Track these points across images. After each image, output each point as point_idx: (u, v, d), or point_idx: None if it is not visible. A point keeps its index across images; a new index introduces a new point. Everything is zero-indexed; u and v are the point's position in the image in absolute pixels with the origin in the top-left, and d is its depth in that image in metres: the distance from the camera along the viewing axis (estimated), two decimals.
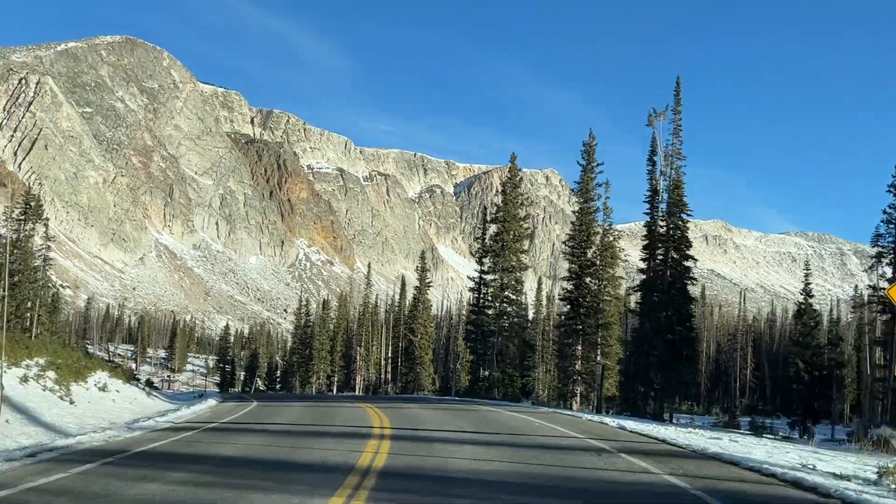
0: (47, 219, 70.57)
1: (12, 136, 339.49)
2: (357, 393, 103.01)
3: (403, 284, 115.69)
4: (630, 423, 23.81)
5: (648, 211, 42.66)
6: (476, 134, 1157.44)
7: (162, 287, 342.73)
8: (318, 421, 21.64)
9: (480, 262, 58.77)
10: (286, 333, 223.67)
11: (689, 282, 41.45)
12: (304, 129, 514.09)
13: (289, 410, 26.75)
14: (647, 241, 42.62)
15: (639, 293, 43.14)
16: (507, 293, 55.38)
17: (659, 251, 41.81)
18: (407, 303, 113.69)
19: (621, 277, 55.44)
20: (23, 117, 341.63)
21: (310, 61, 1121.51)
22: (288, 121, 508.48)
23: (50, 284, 72.59)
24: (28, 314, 68.82)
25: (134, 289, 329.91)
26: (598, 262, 54.75)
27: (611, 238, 54.42)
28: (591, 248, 55.34)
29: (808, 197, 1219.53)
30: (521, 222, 56.37)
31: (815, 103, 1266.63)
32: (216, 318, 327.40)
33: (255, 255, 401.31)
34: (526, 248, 57.32)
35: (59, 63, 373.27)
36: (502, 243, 55.73)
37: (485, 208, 58.02)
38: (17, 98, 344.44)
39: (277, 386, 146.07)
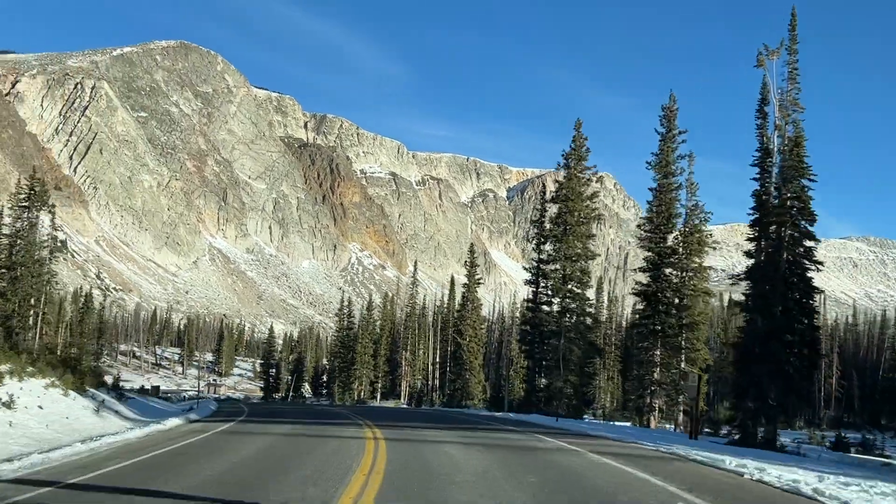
0: (53, 205, 62.56)
1: (68, 140, 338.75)
2: (401, 401, 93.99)
3: (453, 284, 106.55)
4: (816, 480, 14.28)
5: (758, 176, 32.75)
6: (529, 138, 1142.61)
7: (215, 291, 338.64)
8: (265, 471, 12.42)
9: (538, 250, 49.29)
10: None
11: (811, 266, 31.44)
12: (358, 134, 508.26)
13: (252, 443, 17.47)
14: (756, 216, 32.68)
15: (745, 282, 33.22)
16: (570, 286, 45.84)
17: (772, 228, 31.85)
18: (456, 303, 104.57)
19: (709, 268, 45.48)
20: (78, 122, 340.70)
21: (363, 67, 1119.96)
22: (341, 125, 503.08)
23: (55, 281, 63.93)
24: (31, 311, 61.02)
25: (187, 292, 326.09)
26: (680, 250, 45.07)
27: (696, 221, 44.64)
28: (671, 232, 45.66)
29: (869, 201, 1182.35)
30: (588, 201, 46.67)
31: (872, 101, 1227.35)
32: (268, 321, 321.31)
33: (307, 258, 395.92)
34: (593, 232, 47.47)
35: (114, 68, 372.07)
36: (565, 226, 46.21)
37: (543, 186, 48.23)
38: (73, 103, 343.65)
39: (323, 391, 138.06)
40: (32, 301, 60.82)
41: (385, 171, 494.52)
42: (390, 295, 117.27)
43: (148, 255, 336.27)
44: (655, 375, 45.19)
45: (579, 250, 46.11)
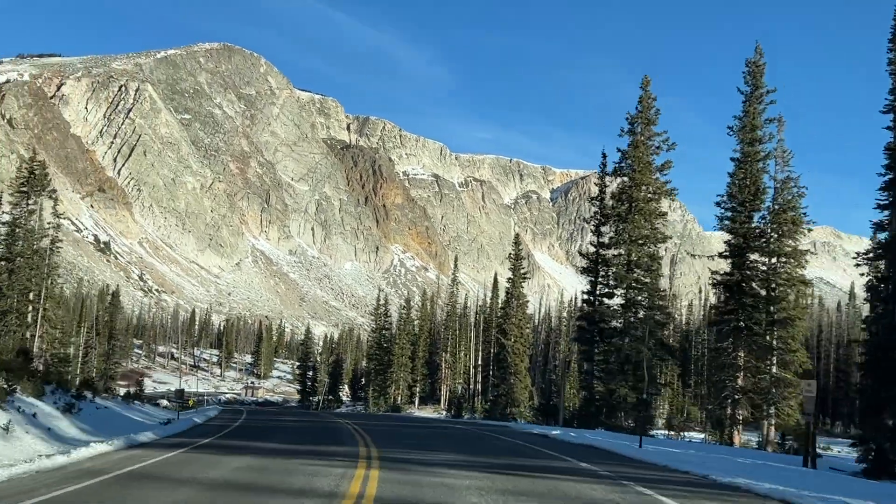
0: (54, 190, 56.14)
1: (112, 142, 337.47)
2: (441, 407, 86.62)
3: (496, 282, 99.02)
4: None
5: (893, 125, 24.83)
6: (573, 140, 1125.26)
7: (257, 292, 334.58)
8: None
9: (597, 232, 41.56)
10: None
11: None
12: (400, 136, 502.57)
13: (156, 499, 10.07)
14: (890, 176, 24.78)
15: (874, 264, 25.41)
16: (636, 274, 38.19)
17: None
18: (499, 302, 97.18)
19: (807, 252, 37.42)
20: (122, 124, 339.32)
21: (406, 70, 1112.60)
22: (384, 127, 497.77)
23: (57, 274, 57.38)
24: (30, 307, 54.61)
25: (229, 294, 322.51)
26: (769, 231, 37.24)
27: (789, 196, 36.74)
28: (758, 210, 37.86)
29: None
30: (659, 173, 38.89)
31: None
32: (310, 323, 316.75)
33: (349, 260, 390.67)
34: (665, 210, 39.45)
35: (158, 70, 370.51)
36: (630, 203, 38.56)
37: (603, 157, 40.47)
38: (117, 105, 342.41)
39: (361, 395, 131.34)
40: (31, 296, 54.44)
41: (428, 172, 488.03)
42: (430, 294, 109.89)
43: (191, 256, 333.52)
44: (739, 381, 37.41)
45: (647, 231, 38.44)
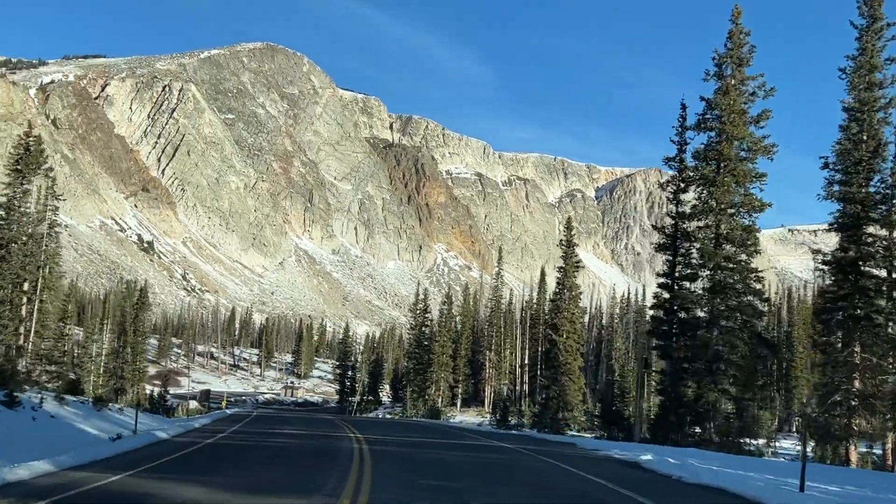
0: (51, 168, 49.67)
1: (156, 142, 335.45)
2: (485, 410, 79.24)
3: (543, 276, 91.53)
4: None
5: None
6: (618, 139, 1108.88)
7: (301, 292, 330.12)
8: None
9: (675, 200, 33.86)
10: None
11: None
12: (443, 135, 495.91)
13: None
14: None
15: None
16: (727, 250, 30.48)
17: None
18: (548, 296, 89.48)
19: None
20: (166, 124, 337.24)
21: (449, 71, 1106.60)
22: (426, 126, 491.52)
23: (56, 263, 51.01)
24: (25, 300, 48.29)
25: (272, 293, 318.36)
26: (893, 198, 29.51)
27: None
28: (877, 171, 30.03)
29: None
30: (755, 125, 31.09)
31: None
32: (354, 323, 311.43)
33: (392, 259, 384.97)
34: (762, 172, 31.50)
35: (201, 70, 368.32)
36: (718, 162, 30.84)
37: (682, 108, 32.64)
38: (161, 105, 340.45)
39: (402, 394, 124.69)
40: (26, 287, 48.13)
41: (471, 171, 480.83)
42: (472, 290, 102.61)
43: (235, 256, 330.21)
44: (856, 384, 29.62)
45: (740, 198, 30.72)
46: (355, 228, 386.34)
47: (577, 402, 54.91)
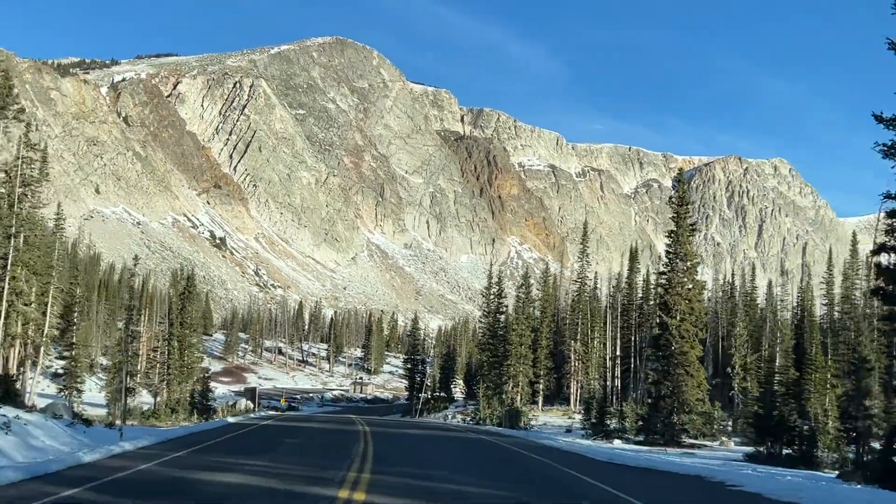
0: (22, 110, 39.21)
1: (228, 138, 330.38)
2: (572, 410, 66.74)
3: (633, 254, 78.95)
4: None
5: None
6: (694, 129, 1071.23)
7: (373, 286, 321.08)
8: None
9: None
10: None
11: None
12: (515, 127, 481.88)
13: None
14: None
15: None
16: None
17: None
18: (640, 280, 76.73)
19: None
20: (237, 120, 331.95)
21: (520, 66, 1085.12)
22: (498, 118, 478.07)
23: (32, 230, 40.22)
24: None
25: (345, 288, 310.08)
26: None
27: None
28: None
29: None
30: None
31: None
32: (427, 317, 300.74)
33: (465, 253, 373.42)
34: None
35: (272, 66, 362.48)
36: None
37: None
38: (232, 101, 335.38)
39: (476, 390, 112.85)
40: None
41: (544, 163, 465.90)
42: (553, 273, 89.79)
43: (307, 251, 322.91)
44: None
45: None
46: (427, 222, 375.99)
47: (693, 401, 42.15)
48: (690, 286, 43.11)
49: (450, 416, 68.26)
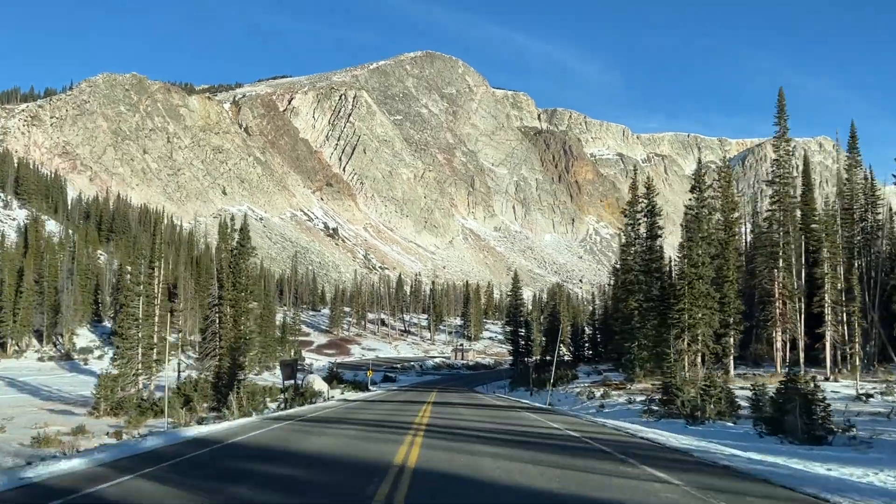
0: None
1: (336, 143, 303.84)
2: (778, 373, 32.57)
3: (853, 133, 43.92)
4: None
5: None
6: (745, 114, 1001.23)
7: (469, 265, 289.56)
8: None
9: None
10: (584, 303, 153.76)
11: None
12: (585, 122, 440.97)
13: None
14: None
15: None
16: None
17: None
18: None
19: None
20: (344, 127, 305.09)
21: (581, 78, 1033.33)
22: (570, 116, 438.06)
23: None
24: None
25: (444, 267, 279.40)
26: None
27: None
28: None
29: None
30: None
31: None
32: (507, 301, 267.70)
33: (548, 233, 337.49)
34: None
35: (371, 79, 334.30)
36: None
37: None
38: (339, 111, 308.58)
39: (595, 355, 79.35)
40: None
41: (612, 153, 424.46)
42: (725, 160, 54.87)
43: (410, 237, 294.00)
44: None
45: None
46: (513, 207, 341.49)
47: None
48: None
49: (598, 395, 34.49)
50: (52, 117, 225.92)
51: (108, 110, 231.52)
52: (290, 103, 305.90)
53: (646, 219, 41.01)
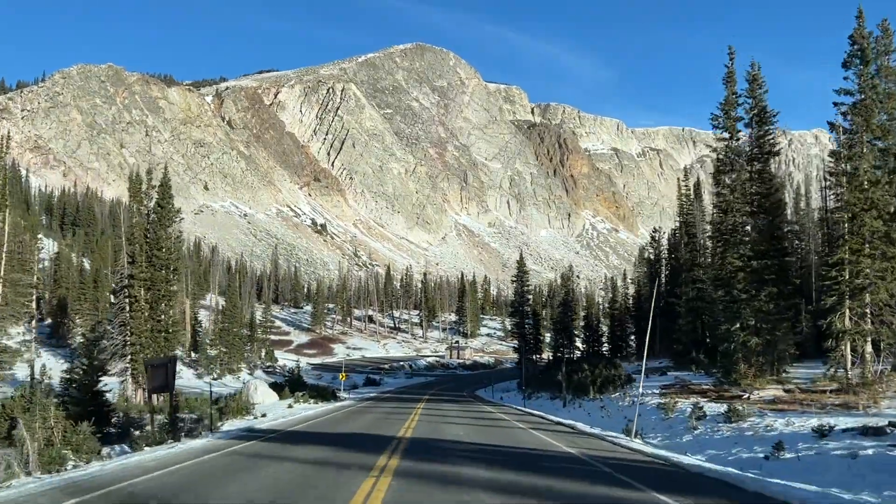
0: None
1: (324, 138, 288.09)
2: None
3: None
4: None
5: None
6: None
7: (463, 262, 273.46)
8: None
9: None
10: (584, 299, 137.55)
11: None
12: (579, 117, 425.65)
13: None
14: None
15: None
16: None
17: None
18: None
19: None
20: (332, 121, 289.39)
21: (575, 75, 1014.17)
22: (564, 111, 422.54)
23: None
24: None
25: (437, 264, 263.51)
26: None
27: None
28: None
29: None
30: None
31: None
32: (513, 287, 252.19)
33: (544, 228, 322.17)
34: None
35: (360, 72, 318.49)
36: None
37: None
38: (327, 105, 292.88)
39: (616, 351, 64.68)
40: None
41: (607, 147, 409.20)
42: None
43: (401, 233, 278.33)
44: None
45: None
46: (507, 202, 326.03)
47: None
48: None
49: (719, 416, 18.92)
50: (23, 110, 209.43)
51: (82, 103, 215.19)
52: (276, 97, 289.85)
53: (752, 128, 25.45)
